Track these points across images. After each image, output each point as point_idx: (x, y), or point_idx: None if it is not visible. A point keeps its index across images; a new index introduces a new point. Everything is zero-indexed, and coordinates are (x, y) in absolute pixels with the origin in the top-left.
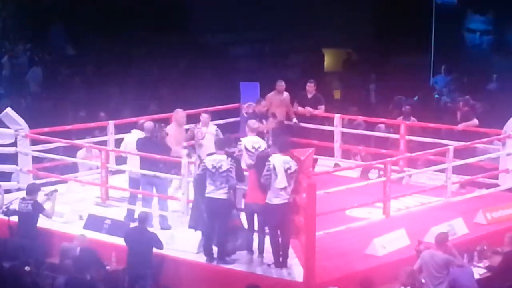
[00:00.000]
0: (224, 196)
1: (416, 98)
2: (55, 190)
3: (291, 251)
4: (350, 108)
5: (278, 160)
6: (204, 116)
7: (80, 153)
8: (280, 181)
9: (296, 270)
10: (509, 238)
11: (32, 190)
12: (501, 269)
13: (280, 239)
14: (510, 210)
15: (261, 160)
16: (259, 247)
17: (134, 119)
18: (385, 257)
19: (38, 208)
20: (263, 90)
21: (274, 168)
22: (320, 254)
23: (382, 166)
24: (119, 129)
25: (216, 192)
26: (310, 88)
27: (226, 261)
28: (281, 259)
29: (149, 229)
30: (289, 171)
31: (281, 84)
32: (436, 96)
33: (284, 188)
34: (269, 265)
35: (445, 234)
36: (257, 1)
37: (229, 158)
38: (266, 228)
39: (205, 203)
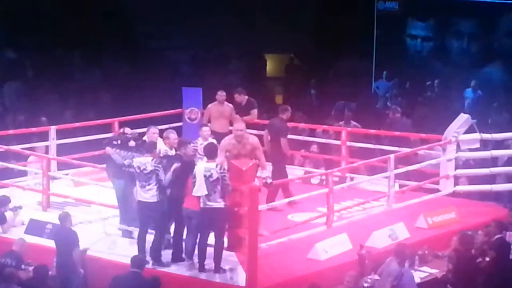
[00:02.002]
0: (154, 199)
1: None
2: (20, 207)
3: (233, 257)
4: (296, 113)
5: (200, 168)
6: (204, 130)
7: (31, 159)
8: (197, 189)
9: (239, 275)
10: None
11: (4, 201)
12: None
13: (213, 244)
14: (450, 214)
15: (187, 165)
16: (187, 252)
17: (77, 124)
18: (327, 262)
19: (1, 220)
20: (206, 95)
21: (195, 175)
22: (262, 259)
23: (324, 171)
24: (61, 135)
25: (144, 195)
26: (238, 98)
27: (162, 263)
28: (213, 264)
29: None
30: (210, 179)
31: (221, 94)
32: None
33: (207, 196)
34: (209, 269)
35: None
36: (198, 6)
37: (154, 160)
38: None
39: (137, 207)
